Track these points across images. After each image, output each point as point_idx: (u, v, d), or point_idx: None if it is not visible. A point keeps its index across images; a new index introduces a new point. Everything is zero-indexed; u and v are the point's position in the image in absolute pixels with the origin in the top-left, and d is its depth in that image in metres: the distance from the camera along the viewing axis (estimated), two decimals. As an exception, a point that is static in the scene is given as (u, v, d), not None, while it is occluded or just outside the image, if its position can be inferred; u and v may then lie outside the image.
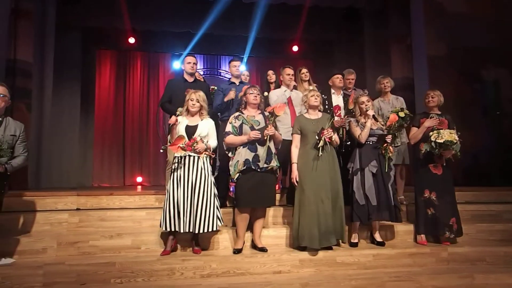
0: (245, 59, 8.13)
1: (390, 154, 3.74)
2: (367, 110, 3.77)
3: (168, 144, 3.45)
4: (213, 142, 3.50)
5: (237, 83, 4.36)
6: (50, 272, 3.02)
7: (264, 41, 8.05)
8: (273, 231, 3.76)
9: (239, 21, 7.45)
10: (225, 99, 4.14)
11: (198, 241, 3.50)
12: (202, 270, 3.21)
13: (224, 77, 8.76)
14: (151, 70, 8.74)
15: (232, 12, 7.25)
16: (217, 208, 3.40)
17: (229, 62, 4.57)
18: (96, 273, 3.07)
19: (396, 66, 6.85)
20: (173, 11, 7.32)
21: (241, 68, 7.30)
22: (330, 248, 3.55)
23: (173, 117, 3.61)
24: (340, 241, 3.64)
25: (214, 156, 3.52)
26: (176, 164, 3.38)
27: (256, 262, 3.32)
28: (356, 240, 3.74)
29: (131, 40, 7.84)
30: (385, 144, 3.71)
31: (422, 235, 3.83)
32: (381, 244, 3.73)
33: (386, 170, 3.69)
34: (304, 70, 4.55)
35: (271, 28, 7.72)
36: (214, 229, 3.37)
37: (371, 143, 3.76)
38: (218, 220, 3.38)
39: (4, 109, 3.05)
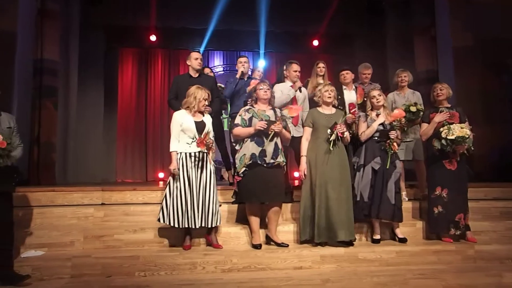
0: (261, 54, 8.10)
1: (395, 151, 3.63)
2: (379, 104, 3.71)
3: (194, 139, 3.46)
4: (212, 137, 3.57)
5: (245, 79, 4.39)
6: (77, 264, 3.13)
7: (284, 35, 8.01)
8: (293, 227, 3.75)
9: (258, 16, 7.43)
10: (248, 89, 4.13)
11: (216, 236, 3.55)
12: (223, 264, 3.25)
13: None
14: (172, 67, 8.84)
15: (252, 8, 7.23)
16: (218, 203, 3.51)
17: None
18: (121, 266, 3.15)
19: (419, 59, 6.67)
20: (192, 8, 7.37)
21: (260, 64, 7.33)
22: (351, 244, 3.52)
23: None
24: (350, 239, 3.53)
25: (214, 151, 3.59)
26: (184, 161, 3.40)
27: (277, 258, 3.33)
28: (378, 237, 3.69)
29: (152, 37, 7.94)
30: (388, 140, 3.60)
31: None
32: (403, 240, 3.66)
33: (388, 167, 3.59)
34: (321, 64, 4.44)
35: (291, 23, 7.68)
36: (219, 223, 3.49)
37: (377, 138, 3.68)
38: (220, 214, 3.50)
39: None
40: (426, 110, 3.95)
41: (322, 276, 3.09)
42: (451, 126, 3.54)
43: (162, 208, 3.40)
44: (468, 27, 5.90)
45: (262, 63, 7.76)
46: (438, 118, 3.74)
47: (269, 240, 3.57)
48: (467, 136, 3.49)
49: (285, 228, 3.72)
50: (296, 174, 5.19)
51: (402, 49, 6.98)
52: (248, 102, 4.04)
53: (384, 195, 3.57)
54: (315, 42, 8.37)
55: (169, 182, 3.44)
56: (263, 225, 3.64)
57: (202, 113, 3.53)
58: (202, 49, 7.70)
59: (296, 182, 4.90)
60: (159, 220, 3.41)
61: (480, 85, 5.76)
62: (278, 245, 3.49)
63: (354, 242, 3.55)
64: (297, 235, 3.68)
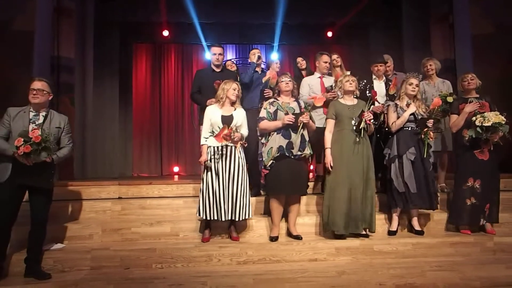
0: (276, 47, 8.04)
1: (431, 140, 3.58)
2: (413, 93, 3.67)
3: (212, 134, 3.48)
4: (244, 132, 3.55)
5: (259, 72, 4.38)
6: (97, 257, 3.22)
7: (298, 27, 7.91)
8: (309, 219, 3.76)
9: (271, 8, 7.36)
10: (263, 80, 4.19)
11: (236, 229, 3.57)
12: (239, 257, 3.28)
13: (257, 66, 8.71)
14: (185, 62, 8.86)
15: (264, 0, 7.17)
16: (249, 196, 3.49)
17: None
18: (139, 258, 3.22)
19: (436, 48, 6.48)
20: (204, 2, 7.35)
21: (273, 57, 7.28)
22: (366, 236, 3.50)
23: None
24: (368, 230, 3.53)
25: (246, 145, 3.56)
26: (213, 154, 3.44)
27: (292, 250, 3.34)
28: (394, 229, 3.65)
29: (165, 33, 7.98)
30: (426, 129, 3.55)
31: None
32: (420, 233, 3.62)
33: (425, 156, 3.55)
34: (335, 56, 4.46)
35: (305, 14, 7.57)
36: (250, 216, 3.47)
37: (409, 129, 3.63)
38: (251, 207, 3.48)
39: (47, 103, 3.18)
40: (455, 101, 3.87)
41: (338, 268, 3.08)
42: (485, 113, 3.47)
43: (199, 201, 3.46)
44: (488, 14, 5.70)
45: (275, 56, 7.70)
46: (468, 108, 3.66)
47: (289, 232, 3.59)
48: (503, 122, 3.41)
49: (303, 220, 3.73)
50: (311, 167, 5.16)
51: (418, 37, 6.80)
52: (265, 93, 4.05)
53: (424, 185, 3.54)
54: (329, 33, 8.25)
55: (202, 176, 3.49)
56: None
57: (234, 106, 3.54)
58: (205, 43, 7.67)
59: (311, 175, 4.87)
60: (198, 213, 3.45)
61: (500, 74, 5.58)
62: (294, 237, 3.50)
63: (369, 235, 3.53)
64: (315, 227, 3.69)
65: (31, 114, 3.09)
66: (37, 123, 3.06)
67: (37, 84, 3.08)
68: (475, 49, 5.68)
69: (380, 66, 4.20)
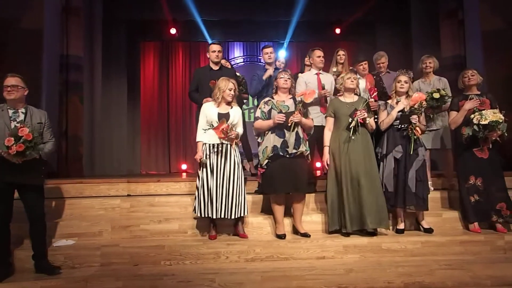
0: (285, 45, 8.02)
1: (418, 136, 3.52)
2: (402, 90, 3.63)
3: (211, 127, 3.48)
4: (240, 130, 3.56)
5: (273, 69, 4.37)
6: (106, 253, 3.25)
7: (305, 25, 7.87)
8: (316, 217, 3.75)
9: (278, 5, 7.34)
10: (264, 77, 4.23)
11: (243, 226, 3.58)
12: (247, 254, 3.29)
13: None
14: (193, 59, 8.88)
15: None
16: (245, 194, 3.51)
17: (262, 49, 4.61)
18: (148, 255, 3.25)
19: (445, 44, 6.42)
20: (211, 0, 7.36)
21: (281, 54, 7.27)
22: (374, 234, 3.49)
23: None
24: (384, 229, 3.52)
25: (240, 143, 3.59)
26: (208, 152, 3.44)
27: (300, 248, 3.34)
28: (402, 227, 3.63)
29: (172, 30, 8.00)
30: (410, 126, 3.50)
31: (475, 223, 3.64)
32: (429, 231, 3.59)
33: (411, 153, 3.50)
34: (341, 52, 4.44)
35: (312, 11, 7.53)
36: (246, 214, 3.49)
37: (397, 126, 3.60)
38: (246, 205, 3.50)
39: (24, 99, 3.12)
40: (455, 98, 3.82)
41: (346, 266, 3.08)
42: (483, 111, 3.43)
43: (194, 199, 3.49)
44: (498, 10, 5.63)
45: (282, 53, 7.68)
46: (468, 105, 3.61)
47: (296, 230, 3.59)
48: (500, 121, 3.37)
49: (310, 218, 3.72)
50: (318, 164, 5.16)
51: (427, 34, 6.74)
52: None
53: (401, 184, 3.51)
54: (337, 30, 8.21)
55: (198, 173, 3.51)
56: (289, 214, 3.65)
57: (230, 105, 3.53)
58: (210, 41, 7.68)
59: (318, 173, 4.87)
60: (194, 211, 3.48)
61: (511, 71, 5.51)
62: (302, 235, 3.50)
63: (377, 232, 3.51)
64: (322, 225, 3.68)
65: (10, 111, 3.05)
66: (18, 120, 3.03)
67: (11, 80, 3.03)
68: (485, 45, 5.61)
69: (365, 64, 4.19)
